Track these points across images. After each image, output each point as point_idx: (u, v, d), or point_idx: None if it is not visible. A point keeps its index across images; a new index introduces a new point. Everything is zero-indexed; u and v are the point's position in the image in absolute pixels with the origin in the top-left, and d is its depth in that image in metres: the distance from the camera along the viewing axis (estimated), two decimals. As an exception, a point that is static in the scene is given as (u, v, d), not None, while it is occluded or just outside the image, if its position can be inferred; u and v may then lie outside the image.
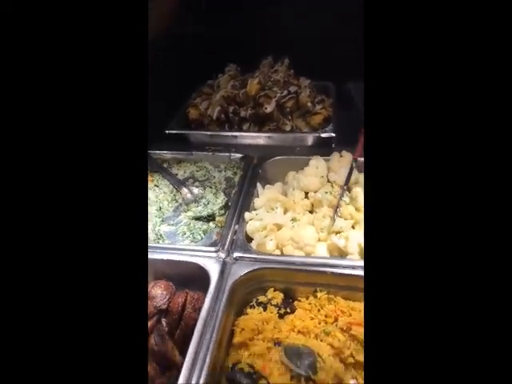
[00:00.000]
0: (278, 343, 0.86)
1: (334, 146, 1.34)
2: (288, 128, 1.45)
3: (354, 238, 0.99)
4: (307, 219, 1.07)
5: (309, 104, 1.45)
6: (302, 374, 0.76)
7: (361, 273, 0.92)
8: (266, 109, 1.41)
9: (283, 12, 1.65)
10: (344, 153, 1.26)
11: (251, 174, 1.26)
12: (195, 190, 1.28)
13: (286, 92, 1.44)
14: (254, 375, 0.78)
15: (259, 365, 0.81)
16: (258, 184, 1.22)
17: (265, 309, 0.93)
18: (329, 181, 1.21)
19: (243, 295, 0.94)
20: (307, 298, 0.96)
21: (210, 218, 1.18)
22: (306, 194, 1.17)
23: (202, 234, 1.13)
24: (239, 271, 0.94)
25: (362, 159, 1.23)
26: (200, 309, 0.86)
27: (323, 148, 1.35)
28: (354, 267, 0.93)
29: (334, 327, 0.90)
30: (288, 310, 0.94)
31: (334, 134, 1.35)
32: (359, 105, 1.50)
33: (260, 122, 1.47)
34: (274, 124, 1.45)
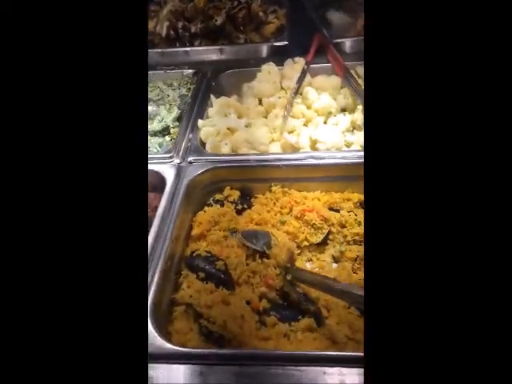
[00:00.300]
0: (233, 232, 0.90)
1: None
2: (241, 41, 1.41)
3: (305, 134, 1.00)
4: (261, 122, 1.08)
5: (261, 14, 1.40)
6: (258, 250, 0.80)
7: (312, 162, 0.95)
8: (216, 21, 1.36)
9: None
10: (297, 59, 1.24)
11: (205, 88, 1.24)
12: (149, 109, 1.25)
13: (236, 2, 1.39)
14: (211, 258, 0.82)
15: (216, 250, 0.85)
16: (212, 95, 1.20)
17: (222, 205, 0.95)
18: (282, 88, 1.21)
19: (200, 195, 0.97)
20: (263, 194, 0.99)
21: (164, 132, 1.17)
22: (260, 100, 1.17)
23: (158, 147, 1.13)
24: (194, 172, 0.95)
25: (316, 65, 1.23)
26: (156, 207, 0.88)
27: (277, 58, 1.32)
28: (304, 159, 0.95)
29: (289, 216, 0.94)
30: (245, 206, 0.97)
31: (287, 42, 1.33)
32: (312, 15, 1.46)
33: (212, 38, 1.42)
34: (227, 40, 1.41)
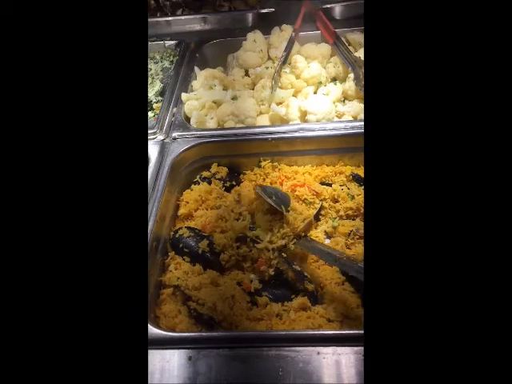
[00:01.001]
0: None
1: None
2: (225, 9, 1.33)
3: (295, 104, 0.96)
4: (248, 94, 1.02)
5: (245, -21, 1.32)
6: (278, 207, 0.76)
7: (302, 134, 0.90)
8: (198, -12, 1.28)
9: None
10: (284, 26, 1.18)
11: (188, 60, 1.17)
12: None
13: (218, -33, 1.30)
14: (195, 238, 0.78)
15: (200, 225, 0.81)
16: (196, 67, 1.14)
17: (209, 183, 0.91)
18: (270, 57, 1.15)
19: (186, 173, 0.92)
20: (252, 170, 0.95)
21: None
22: (246, 71, 1.11)
23: (141, 124, 1.07)
24: (178, 148, 0.90)
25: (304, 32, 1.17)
26: (140, 187, 0.84)
27: (264, 26, 1.25)
28: (294, 131, 0.91)
29: (279, 193, 0.91)
30: (233, 183, 0.93)
31: (273, 9, 1.25)
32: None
33: (195, 8, 1.34)
34: (210, 8, 1.33)
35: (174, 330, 0.64)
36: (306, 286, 0.69)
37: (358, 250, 0.80)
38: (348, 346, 0.56)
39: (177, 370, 0.55)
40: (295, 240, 0.76)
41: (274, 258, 0.73)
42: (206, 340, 0.58)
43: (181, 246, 0.77)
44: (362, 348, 0.55)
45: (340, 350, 0.55)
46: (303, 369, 0.54)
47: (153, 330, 0.61)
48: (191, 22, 1.30)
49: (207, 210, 0.85)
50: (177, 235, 0.79)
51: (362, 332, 0.56)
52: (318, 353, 0.55)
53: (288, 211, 0.78)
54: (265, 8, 1.28)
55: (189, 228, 0.80)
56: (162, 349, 0.58)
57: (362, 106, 0.98)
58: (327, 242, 0.85)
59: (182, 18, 1.30)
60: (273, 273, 0.73)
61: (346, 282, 0.73)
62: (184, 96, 1.01)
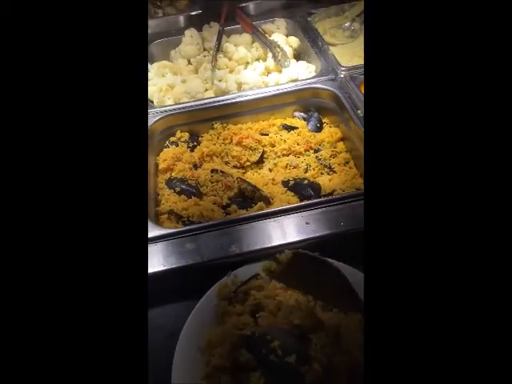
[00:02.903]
0: (195, 166, 1.15)
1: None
2: (160, 15, 1.60)
3: (231, 79, 1.26)
4: (194, 77, 1.31)
5: (173, -11, 1.59)
6: None
7: (241, 99, 1.21)
8: None
9: None
10: (212, 23, 1.48)
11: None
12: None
13: (149, -19, 1.56)
14: (185, 179, 1.06)
15: (189, 174, 1.09)
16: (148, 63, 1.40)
17: (177, 145, 1.19)
18: (205, 49, 1.44)
19: (157, 141, 1.18)
20: (208, 132, 1.23)
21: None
22: (189, 61, 1.40)
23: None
24: (148, 122, 1.16)
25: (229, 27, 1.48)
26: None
27: (195, 26, 1.54)
28: (235, 98, 1.21)
29: (231, 145, 1.20)
30: (195, 144, 1.21)
31: (201, 11, 1.55)
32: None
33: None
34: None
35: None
36: (261, 194, 1.00)
37: (292, 174, 1.12)
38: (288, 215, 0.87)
39: (179, 252, 0.83)
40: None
41: (236, 181, 1.04)
42: (199, 228, 0.86)
43: (174, 182, 1.06)
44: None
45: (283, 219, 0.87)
46: (270, 232, 0.84)
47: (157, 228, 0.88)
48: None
49: (184, 163, 1.12)
50: (172, 177, 1.08)
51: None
52: (274, 220, 0.86)
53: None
54: (193, 11, 1.57)
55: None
56: (165, 241, 0.85)
57: (281, 75, 1.31)
58: (271, 175, 1.16)
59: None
60: (236, 190, 1.03)
61: (288, 191, 1.05)
62: (144, 84, 1.27)
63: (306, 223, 0.85)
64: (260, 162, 1.18)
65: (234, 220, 0.87)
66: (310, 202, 0.90)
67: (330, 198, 0.91)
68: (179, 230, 0.86)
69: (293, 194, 1.04)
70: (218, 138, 1.22)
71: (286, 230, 0.84)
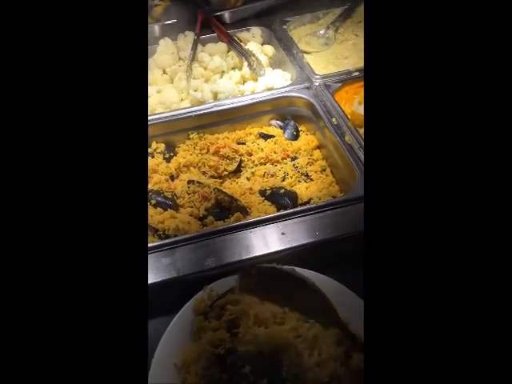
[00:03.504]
0: (171, 177, 1.14)
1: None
2: (135, 24, 1.59)
3: (207, 89, 1.26)
4: (169, 87, 1.30)
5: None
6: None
7: (217, 109, 1.20)
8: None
9: None
10: (187, 32, 1.47)
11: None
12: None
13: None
14: (161, 191, 1.05)
15: (164, 187, 1.08)
16: (121, 73, 1.38)
17: (153, 157, 1.17)
18: (180, 58, 1.44)
19: (133, 152, 1.17)
20: (184, 142, 1.22)
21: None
22: (164, 71, 1.39)
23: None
24: (123, 134, 1.15)
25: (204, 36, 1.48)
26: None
27: (170, 35, 1.53)
28: (211, 107, 1.20)
29: (208, 155, 1.20)
30: (171, 154, 1.20)
31: (176, 20, 1.54)
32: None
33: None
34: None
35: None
36: (238, 204, 1.00)
37: (269, 183, 1.12)
38: (268, 224, 0.87)
39: (155, 267, 0.81)
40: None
41: (213, 192, 1.03)
42: (174, 242, 0.85)
43: (150, 194, 1.04)
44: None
45: (265, 229, 0.87)
46: (247, 243, 0.84)
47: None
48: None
49: (161, 175, 1.11)
50: (148, 190, 1.06)
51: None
52: (250, 232, 0.86)
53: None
54: (168, 20, 1.56)
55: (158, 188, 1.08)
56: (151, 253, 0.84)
57: (257, 83, 1.31)
58: (248, 184, 1.16)
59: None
60: (214, 201, 1.02)
61: (265, 200, 1.05)
62: (118, 95, 1.25)
63: (282, 233, 0.85)
64: (237, 171, 1.18)
65: (210, 233, 0.86)
66: (286, 212, 0.90)
67: (305, 207, 0.91)
68: (154, 244, 0.85)
69: (270, 203, 1.04)
70: (194, 148, 1.21)
71: (261, 242, 0.84)
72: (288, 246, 0.82)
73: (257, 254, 0.82)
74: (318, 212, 0.88)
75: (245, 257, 0.81)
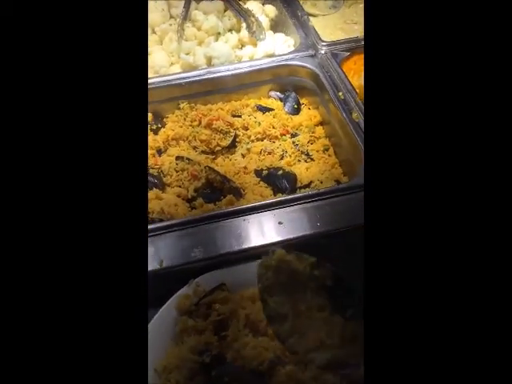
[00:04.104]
0: (158, 151, 1.03)
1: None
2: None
3: (200, 52, 1.13)
4: (158, 49, 1.17)
5: None
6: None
7: (210, 76, 1.08)
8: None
9: None
10: (181, -13, 1.32)
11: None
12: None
13: None
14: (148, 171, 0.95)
15: (152, 162, 0.98)
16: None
17: (138, 127, 1.06)
18: (171, 16, 1.29)
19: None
20: (173, 113, 1.11)
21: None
22: (153, 30, 1.24)
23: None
24: (105, 100, 1.03)
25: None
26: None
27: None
28: (203, 74, 1.08)
29: (199, 128, 1.09)
30: (159, 126, 1.09)
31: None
32: None
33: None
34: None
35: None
36: (231, 185, 0.90)
37: (266, 161, 1.02)
38: (265, 211, 0.78)
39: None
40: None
41: (204, 170, 0.93)
42: (158, 228, 0.76)
43: None
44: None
45: (261, 217, 0.78)
46: (239, 232, 0.75)
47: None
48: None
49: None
50: None
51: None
52: (244, 219, 0.77)
53: None
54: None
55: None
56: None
57: (256, 48, 1.18)
58: (243, 161, 1.06)
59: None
60: (204, 181, 0.92)
61: (261, 181, 0.95)
62: (100, 56, 1.12)
63: (279, 223, 0.76)
64: (232, 146, 1.07)
65: (198, 219, 0.77)
66: (284, 198, 0.80)
67: (305, 193, 0.82)
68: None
69: (266, 185, 0.94)
70: (184, 119, 1.10)
71: (256, 231, 0.75)
72: (285, 238, 0.73)
73: (250, 246, 0.73)
74: (320, 200, 0.79)
75: (236, 248, 0.72)
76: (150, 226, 0.76)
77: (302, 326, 0.59)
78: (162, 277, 0.70)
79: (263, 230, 0.75)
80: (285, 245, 0.73)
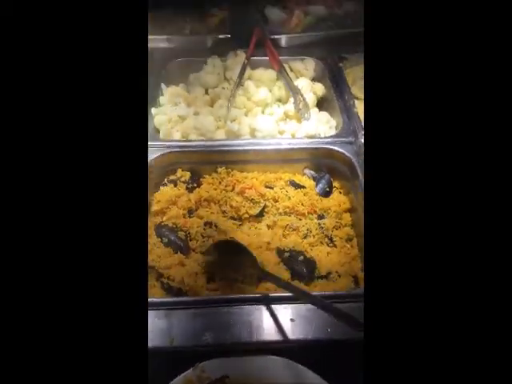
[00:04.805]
0: (190, 211, 1.08)
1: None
2: (186, 32, 1.52)
3: (246, 122, 1.19)
4: (207, 111, 1.24)
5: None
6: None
7: (251, 148, 1.13)
8: (163, 11, 1.46)
9: None
10: (239, 52, 1.40)
11: (155, 76, 1.35)
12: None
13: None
14: (175, 228, 1.00)
15: (181, 223, 1.02)
16: (162, 84, 1.32)
17: (175, 185, 1.12)
18: (226, 78, 1.37)
19: (155, 176, 1.11)
20: (210, 175, 1.16)
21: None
22: (206, 90, 1.32)
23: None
24: (150, 156, 1.09)
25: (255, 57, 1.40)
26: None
27: (220, 49, 1.46)
28: (245, 145, 1.13)
29: (232, 193, 1.13)
30: (195, 185, 1.14)
31: (229, 35, 1.47)
32: (251, 9, 1.60)
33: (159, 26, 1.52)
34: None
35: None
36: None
37: (291, 239, 1.05)
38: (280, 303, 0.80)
39: (154, 326, 0.76)
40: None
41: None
42: (177, 303, 0.80)
43: (163, 231, 0.99)
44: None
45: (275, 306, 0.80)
46: (248, 319, 0.77)
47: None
48: (155, 42, 1.47)
49: (179, 209, 1.05)
50: (162, 223, 1.02)
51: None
52: (256, 309, 0.79)
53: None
54: (221, 33, 1.49)
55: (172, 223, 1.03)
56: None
57: (299, 124, 1.23)
58: (268, 232, 1.08)
59: (150, 37, 1.47)
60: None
61: (281, 263, 0.98)
62: (154, 111, 1.20)
63: (291, 320, 0.78)
64: (260, 215, 1.11)
65: (214, 300, 0.80)
66: (301, 293, 0.82)
67: (322, 293, 0.83)
68: (152, 300, 0.79)
69: (285, 267, 0.96)
70: (219, 183, 1.15)
71: (266, 324, 0.77)
72: (293, 338, 0.75)
73: (258, 340, 0.75)
74: (336, 302, 0.80)
75: (244, 340, 0.74)
76: (166, 299, 0.80)
77: None
78: (169, 354, 0.73)
79: (274, 325, 0.77)
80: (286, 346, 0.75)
